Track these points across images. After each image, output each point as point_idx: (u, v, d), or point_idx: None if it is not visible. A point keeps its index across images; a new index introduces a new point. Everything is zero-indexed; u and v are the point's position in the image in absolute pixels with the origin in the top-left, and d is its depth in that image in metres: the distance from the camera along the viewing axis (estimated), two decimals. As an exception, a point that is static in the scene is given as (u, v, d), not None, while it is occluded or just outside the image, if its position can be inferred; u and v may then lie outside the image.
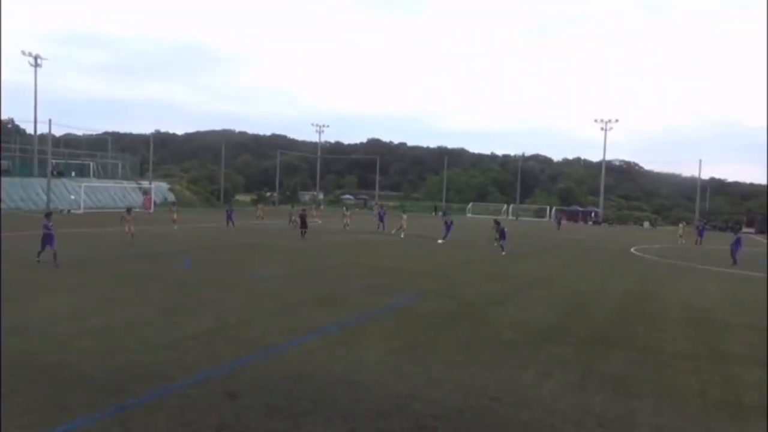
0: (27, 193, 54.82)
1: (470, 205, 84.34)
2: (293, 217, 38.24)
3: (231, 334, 9.91)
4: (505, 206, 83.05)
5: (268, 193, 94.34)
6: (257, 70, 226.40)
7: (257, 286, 14.92)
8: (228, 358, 8.50)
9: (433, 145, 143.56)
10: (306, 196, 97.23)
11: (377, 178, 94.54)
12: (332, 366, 8.23)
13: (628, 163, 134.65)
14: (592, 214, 77.97)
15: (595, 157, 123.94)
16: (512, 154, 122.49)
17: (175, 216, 34.47)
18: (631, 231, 61.01)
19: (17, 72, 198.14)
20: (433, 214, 62.80)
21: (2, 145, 67.16)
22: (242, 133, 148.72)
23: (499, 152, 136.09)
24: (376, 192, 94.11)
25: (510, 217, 76.35)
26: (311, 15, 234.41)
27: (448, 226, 32.00)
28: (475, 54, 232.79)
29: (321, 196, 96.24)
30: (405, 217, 36.13)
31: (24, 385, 7.05)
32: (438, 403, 6.95)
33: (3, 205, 50.97)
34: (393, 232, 34.73)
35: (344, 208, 44.40)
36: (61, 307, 11.60)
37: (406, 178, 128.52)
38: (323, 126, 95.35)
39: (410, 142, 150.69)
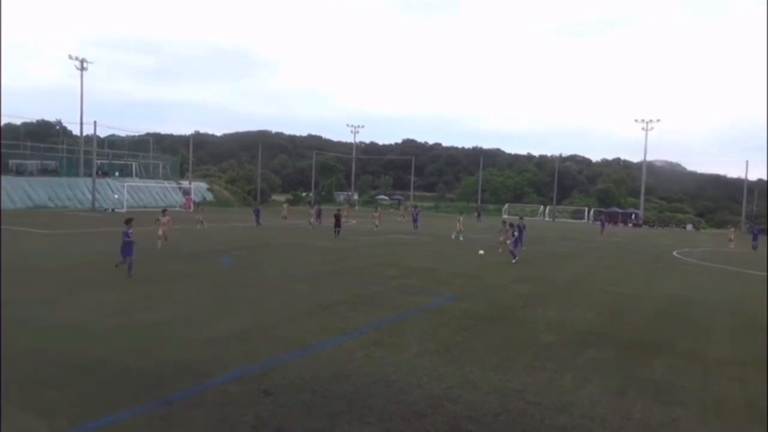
0: (73, 192, 56.72)
1: (506, 206, 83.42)
2: (311, 219, 37.60)
3: (268, 332, 10.05)
4: (542, 207, 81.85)
5: (304, 193, 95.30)
6: (294, 73, 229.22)
7: (293, 286, 15.08)
8: (265, 356, 8.63)
9: (468, 145, 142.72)
10: (341, 197, 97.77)
11: (412, 178, 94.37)
12: (368, 366, 8.26)
13: (670, 164, 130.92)
14: (632, 216, 76.12)
15: (635, 157, 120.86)
16: (549, 154, 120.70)
17: (200, 216, 35.03)
18: (674, 234, 59.28)
19: (66, 76, 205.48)
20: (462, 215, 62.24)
21: (47, 145, 69.73)
22: (279, 134, 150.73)
23: (536, 153, 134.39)
24: (411, 192, 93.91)
25: (546, 218, 75.21)
26: (348, 18, 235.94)
27: (521, 231, 25.27)
28: (512, 54, 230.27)
29: (356, 196, 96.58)
30: (461, 218, 35.70)
31: (75, 379, 7.32)
32: (474, 405, 6.90)
33: (51, 204, 52.89)
34: (453, 236, 33.41)
35: (375, 209, 43.51)
36: (106, 304, 11.97)
37: (441, 179, 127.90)
38: (358, 127, 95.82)
39: (445, 143, 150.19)
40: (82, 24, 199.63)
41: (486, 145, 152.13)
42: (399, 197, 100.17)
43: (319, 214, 39.32)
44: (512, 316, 12.29)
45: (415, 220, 41.12)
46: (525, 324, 11.59)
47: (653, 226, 71.32)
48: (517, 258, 22.52)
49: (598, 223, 57.29)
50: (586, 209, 79.22)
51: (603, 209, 77.58)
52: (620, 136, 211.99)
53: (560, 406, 7.02)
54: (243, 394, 6.97)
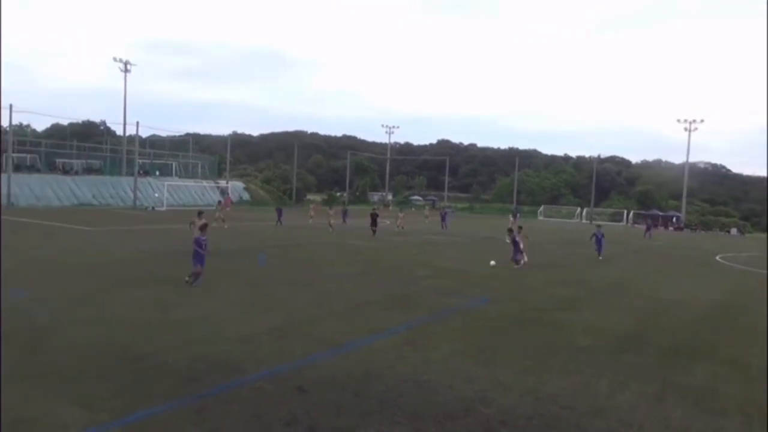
0: (116, 190, 58.45)
1: (542, 207, 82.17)
2: (331, 221, 35.63)
3: (301, 330, 10.15)
4: (579, 209, 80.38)
5: (338, 193, 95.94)
6: (329, 73, 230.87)
7: (325, 285, 15.19)
8: (298, 354, 8.72)
9: (503, 146, 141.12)
10: (375, 197, 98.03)
11: (446, 179, 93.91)
12: (399, 366, 8.26)
13: (714, 166, 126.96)
14: (674, 219, 74.02)
15: (677, 158, 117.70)
16: (587, 155, 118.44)
17: (220, 214, 34.38)
18: (717, 237, 57.40)
19: (110, 78, 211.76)
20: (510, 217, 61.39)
21: (92, 145, 71.99)
22: (314, 134, 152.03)
23: (573, 154, 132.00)
24: (445, 193, 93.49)
25: (584, 220, 73.80)
26: (383, 18, 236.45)
27: (599, 239, 25.32)
28: (549, 52, 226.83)
29: (390, 196, 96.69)
30: (513, 219, 35.37)
31: (114, 372, 7.54)
32: (506, 408, 6.82)
33: (95, 201, 54.62)
34: (508, 240, 32.99)
35: (399, 209, 42.30)
36: (145, 299, 12.28)
37: (476, 180, 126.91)
38: (393, 127, 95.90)
39: (480, 143, 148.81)
40: (127, 27, 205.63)
41: (522, 145, 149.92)
42: (433, 198, 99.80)
43: (345, 215, 39.42)
44: (547, 319, 12.10)
45: (443, 219, 40.96)
46: (560, 327, 11.40)
47: (695, 229, 69.18)
48: (521, 264, 20.41)
49: (642, 226, 55.06)
50: (625, 212, 77.43)
51: (643, 212, 75.71)
52: (661, 136, 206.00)
53: (596, 410, 6.87)
54: (276, 390, 7.05)
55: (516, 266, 20.25)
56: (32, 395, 6.59)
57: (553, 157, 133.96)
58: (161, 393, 6.83)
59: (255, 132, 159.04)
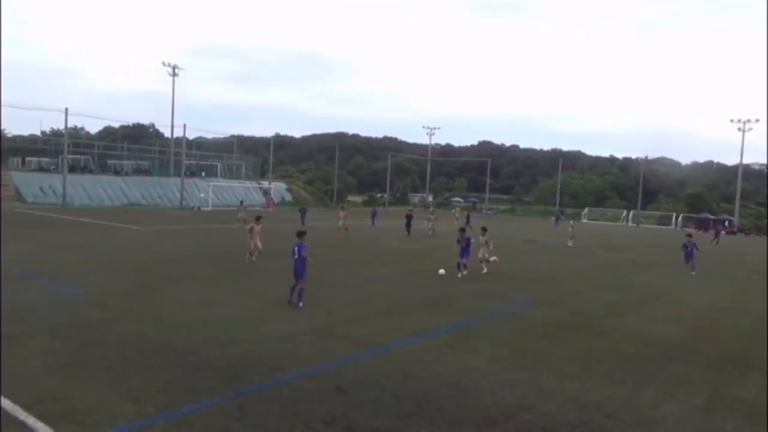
0: (164, 190, 60.28)
1: (586, 210, 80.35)
2: (342, 223, 33.02)
3: (341, 331, 10.21)
4: (625, 212, 78.22)
5: (379, 195, 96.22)
6: (371, 75, 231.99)
7: (365, 286, 15.25)
8: (337, 353, 8.78)
9: (546, 147, 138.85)
10: (415, 198, 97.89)
11: (488, 180, 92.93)
12: (439, 369, 8.21)
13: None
14: (726, 223, 71.15)
15: (730, 160, 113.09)
16: (634, 156, 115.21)
17: (242, 215, 33.93)
18: (773, 242, 54.83)
19: (159, 82, 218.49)
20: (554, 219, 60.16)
21: (141, 147, 74.35)
22: (355, 136, 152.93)
23: (619, 155, 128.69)
24: (486, 195, 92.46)
25: (630, 223, 71.82)
26: (423, 19, 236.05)
27: (690, 251, 22.05)
28: (595, 52, 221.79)
29: (430, 198, 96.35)
30: (573, 224, 34.46)
31: (160, 367, 7.76)
32: (548, 415, 6.69)
33: (143, 201, 56.42)
34: (570, 243, 32.11)
35: (431, 211, 39.55)
36: (190, 297, 12.61)
37: (518, 182, 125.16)
38: (434, 128, 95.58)
39: (523, 145, 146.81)
40: (175, 33, 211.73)
41: (565, 146, 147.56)
42: (474, 200, 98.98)
43: (374, 216, 39.68)
44: (591, 325, 11.82)
45: (467, 221, 40.81)
46: (605, 334, 11.11)
47: (749, 234, 66.32)
48: (464, 272, 17.36)
49: (711, 232, 51.54)
50: (674, 215, 74.92)
51: (692, 215, 73.13)
52: (713, 137, 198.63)
53: (641, 421, 6.67)
54: (316, 390, 7.12)
55: (459, 274, 17.37)
56: (83, 387, 6.85)
57: (598, 159, 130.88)
58: (205, 389, 7.00)
59: (297, 134, 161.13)
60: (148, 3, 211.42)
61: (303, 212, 38.87)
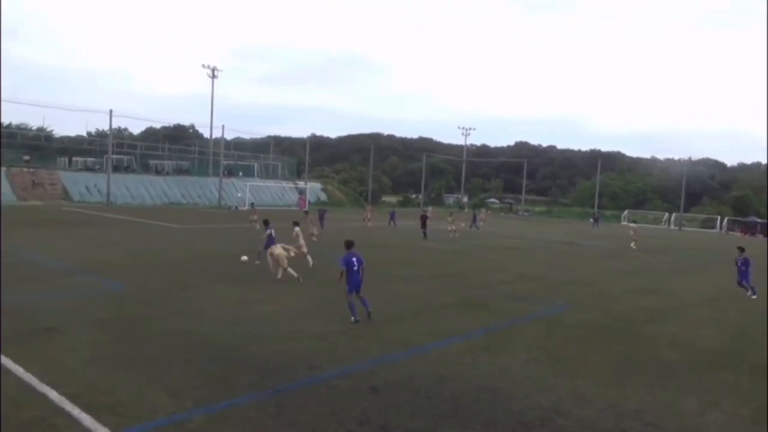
0: (203, 190, 61.61)
1: (626, 212, 78.42)
2: (367, 216, 34.16)
3: (375, 331, 10.24)
4: (666, 215, 76.07)
5: (414, 195, 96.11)
6: (405, 76, 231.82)
7: (399, 287, 15.25)
8: (372, 353, 8.81)
9: (585, 148, 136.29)
10: (450, 199, 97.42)
11: (524, 181, 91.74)
12: (474, 371, 8.16)
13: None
14: (774, 227, 68.43)
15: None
16: (676, 157, 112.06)
17: (255, 217, 33.74)
18: (825, 248, 52.47)
19: (199, 83, 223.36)
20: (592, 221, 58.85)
21: (181, 147, 76.11)
22: (390, 137, 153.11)
23: (661, 156, 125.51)
24: (522, 196, 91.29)
25: (672, 226, 69.84)
26: (459, 20, 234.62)
27: (744, 268, 17.03)
28: (635, 49, 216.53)
29: (465, 199, 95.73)
30: (634, 226, 33.63)
31: (199, 362, 7.94)
32: (585, 421, 6.57)
33: (183, 200, 57.75)
34: (633, 246, 31.20)
35: (449, 213, 38.00)
36: (227, 295, 12.85)
37: (555, 183, 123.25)
38: (469, 129, 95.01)
39: (560, 145, 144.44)
40: (214, 35, 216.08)
41: (605, 147, 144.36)
42: (510, 201, 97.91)
43: (392, 216, 39.66)
44: (630, 330, 11.53)
45: (474, 221, 41.56)
46: (645, 339, 10.83)
47: (799, 238, 63.58)
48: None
49: (759, 236, 48.44)
50: (719, 218, 72.51)
51: (739, 218, 70.63)
52: (762, 138, 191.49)
53: (683, 430, 6.48)
54: (351, 389, 7.17)
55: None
56: (126, 380, 7.06)
57: (639, 160, 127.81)
58: (242, 385, 7.12)
59: (333, 134, 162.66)
60: (188, 7, 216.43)
61: (321, 215, 34.16)
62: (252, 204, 45.93)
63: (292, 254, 15.68)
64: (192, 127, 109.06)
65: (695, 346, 10.44)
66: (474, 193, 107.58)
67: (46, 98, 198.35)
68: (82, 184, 54.66)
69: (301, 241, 17.77)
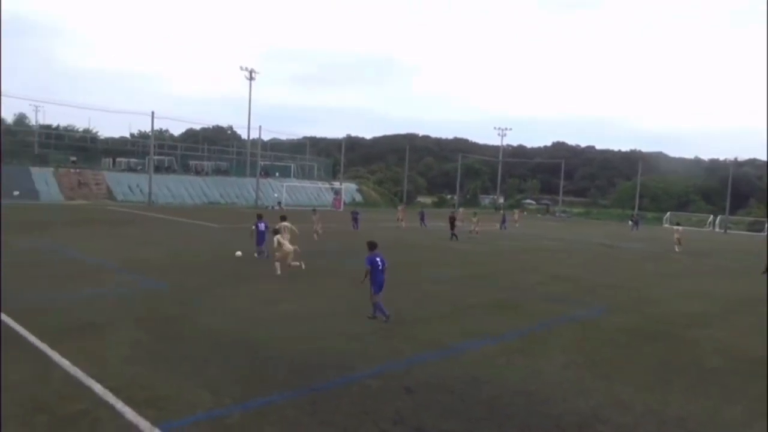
0: (240, 190, 62.70)
1: (668, 214, 76.19)
2: (400, 216, 34.94)
3: (408, 331, 10.23)
4: (711, 217, 73.65)
5: (449, 196, 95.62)
6: (441, 76, 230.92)
7: (431, 287, 15.19)
8: (405, 354, 8.80)
9: (625, 148, 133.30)
10: (486, 200, 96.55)
11: (561, 182, 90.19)
12: (508, 373, 8.07)
13: None
14: (826, 230, 65.45)
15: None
16: (722, 158, 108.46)
17: (319, 225, 34.13)
18: None
19: (237, 85, 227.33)
20: (630, 223, 57.43)
21: (220, 148, 77.59)
22: (426, 137, 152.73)
23: (705, 157, 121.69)
24: (560, 197, 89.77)
25: (717, 229, 67.59)
26: (494, 19, 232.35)
27: None
28: (674, 47, 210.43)
29: (501, 200, 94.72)
30: (680, 229, 32.72)
31: (236, 360, 8.08)
32: (626, 428, 6.41)
33: (222, 200, 58.86)
34: (676, 248, 30.59)
35: (474, 212, 36.39)
36: (262, 294, 13.03)
37: (594, 184, 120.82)
38: (505, 129, 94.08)
39: (599, 146, 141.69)
40: (252, 38, 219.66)
41: (645, 147, 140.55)
42: (547, 202, 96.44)
43: (422, 217, 39.56)
44: (671, 334, 11.21)
45: (503, 222, 41.56)
46: (687, 344, 10.51)
47: None
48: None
49: None
50: (766, 221, 69.84)
51: (789, 221, 67.78)
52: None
53: (728, 439, 6.27)
54: (384, 389, 7.18)
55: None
56: (166, 376, 7.24)
57: (682, 161, 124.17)
58: (277, 383, 7.22)
59: (368, 135, 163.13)
60: (226, 11, 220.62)
61: (354, 216, 34.46)
62: (279, 201, 46.26)
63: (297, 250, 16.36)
64: (230, 128, 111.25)
65: (740, 353, 10.07)
66: (510, 194, 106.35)
67: (92, 101, 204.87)
68: (126, 184, 56.30)
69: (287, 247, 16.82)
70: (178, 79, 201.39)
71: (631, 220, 58.82)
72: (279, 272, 15.45)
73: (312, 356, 8.36)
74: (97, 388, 6.70)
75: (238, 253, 18.60)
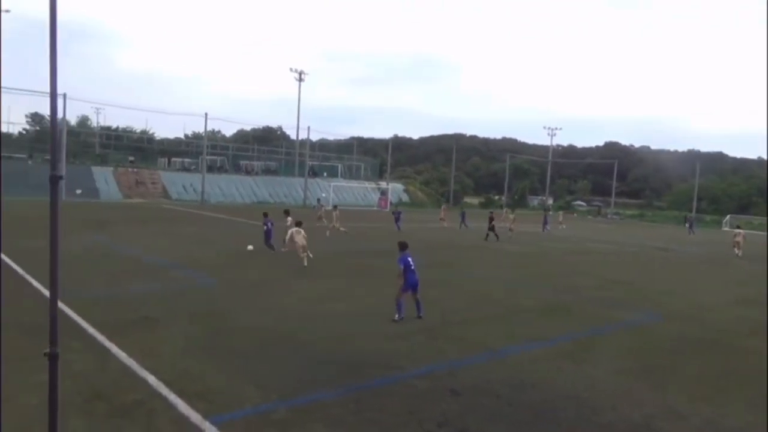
0: (289, 190, 63.83)
1: (728, 217, 72.94)
2: (442, 216, 34.75)
3: (455, 332, 10.17)
4: (775, 220, 70.01)
5: (496, 197, 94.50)
6: (489, 76, 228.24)
7: (479, 288, 15.04)
8: (452, 355, 8.75)
9: (681, 148, 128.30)
10: (534, 201, 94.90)
11: (614, 183, 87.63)
12: (557, 378, 7.90)
13: None
14: None
15: None
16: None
17: (320, 213, 32.94)
18: None
19: (286, 87, 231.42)
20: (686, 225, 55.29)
21: (269, 148, 79.10)
22: (473, 137, 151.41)
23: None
24: (612, 199, 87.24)
25: (781, 233, 64.19)
26: (545, 17, 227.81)
27: None
28: (732, 42, 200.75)
29: (550, 201, 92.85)
30: (742, 232, 31.11)
31: (283, 357, 8.23)
32: (679, 438, 6.17)
33: (270, 199, 60.01)
34: (738, 253, 29.14)
35: (511, 209, 36.45)
36: (309, 292, 13.21)
37: (648, 185, 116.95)
38: (555, 129, 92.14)
39: (654, 146, 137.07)
40: (300, 40, 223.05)
41: (704, 147, 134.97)
42: (598, 203, 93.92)
43: (463, 218, 39.20)
44: (730, 343, 10.71)
45: (545, 223, 40.35)
46: (746, 354, 10.02)
47: None
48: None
49: None
50: (767, 221, 65.73)
51: None
52: None
53: (792, 455, 5.94)
54: (430, 390, 7.15)
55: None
56: (216, 370, 7.44)
57: (743, 161, 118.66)
58: (324, 380, 7.30)
59: (415, 135, 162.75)
60: (274, 13, 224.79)
61: (397, 216, 34.60)
62: (318, 199, 46.92)
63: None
64: (279, 128, 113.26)
65: (807, 365, 9.52)
66: (560, 195, 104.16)
67: (149, 103, 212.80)
68: (180, 184, 58.18)
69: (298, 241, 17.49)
70: (231, 80, 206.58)
71: (686, 222, 56.62)
72: (306, 263, 16.81)
73: (358, 355, 8.42)
74: (151, 379, 6.95)
75: (250, 247, 19.89)
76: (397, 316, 10.69)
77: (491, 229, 30.30)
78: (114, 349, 8.07)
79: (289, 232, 17.72)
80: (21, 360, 7.31)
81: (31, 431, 5.42)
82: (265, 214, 20.89)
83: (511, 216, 33.93)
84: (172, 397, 6.44)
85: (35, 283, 12.31)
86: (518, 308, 12.71)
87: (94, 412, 6.00)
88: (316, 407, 6.43)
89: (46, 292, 10.72)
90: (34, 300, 10.79)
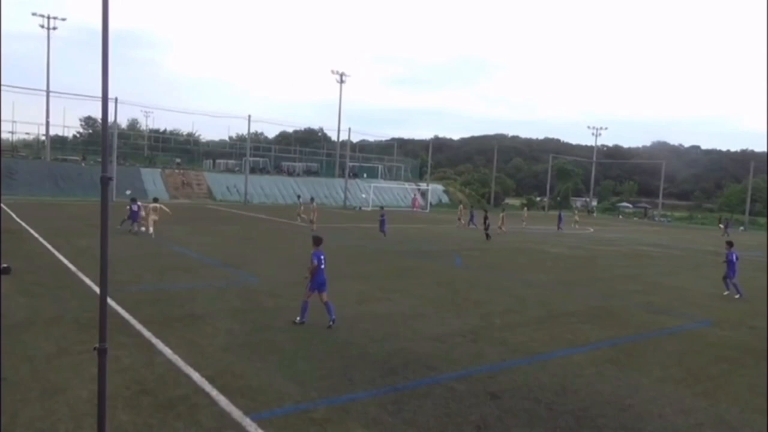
0: (329, 190, 64.38)
1: (784, 219, 69.81)
2: (460, 217, 36.02)
3: (495, 335, 10.05)
4: (837, 223, 66.41)
5: (539, 198, 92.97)
6: (532, 76, 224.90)
7: (522, 291, 14.82)
8: (492, 358, 8.65)
9: (734, 148, 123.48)
10: (578, 203, 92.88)
11: (661, 185, 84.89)
12: (599, 384, 7.71)
13: None
14: None
15: None
16: None
17: (307, 215, 32.87)
18: None
19: (327, 88, 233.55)
20: (720, 226, 53.04)
21: (311, 149, 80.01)
22: (515, 137, 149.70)
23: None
24: (660, 200, 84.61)
25: (843, 237, 60.88)
26: (588, 16, 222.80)
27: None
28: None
29: (594, 202, 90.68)
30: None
31: (323, 356, 8.31)
32: (729, 449, 5.94)
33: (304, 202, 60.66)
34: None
35: (525, 209, 36.79)
36: (349, 292, 13.29)
37: (698, 186, 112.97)
38: (600, 128, 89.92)
39: (705, 146, 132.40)
40: (341, 41, 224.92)
41: (759, 147, 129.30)
42: (645, 205, 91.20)
43: (472, 217, 39.21)
44: (787, 352, 10.23)
45: (560, 220, 39.99)
46: (805, 364, 9.55)
47: None
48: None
49: None
50: (767, 220, 61.80)
51: None
52: None
53: None
54: (469, 393, 7.09)
55: None
56: (257, 367, 7.57)
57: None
58: (362, 380, 7.34)
59: (455, 136, 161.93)
60: (320, 17, 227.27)
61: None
62: (311, 199, 46.78)
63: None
64: (320, 130, 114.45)
65: None
66: (604, 196, 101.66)
67: (195, 106, 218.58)
68: (224, 184, 59.46)
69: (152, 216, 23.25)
70: (274, 83, 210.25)
71: (720, 224, 54.22)
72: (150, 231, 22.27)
73: (397, 356, 8.42)
74: (195, 375, 7.13)
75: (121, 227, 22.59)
76: (299, 318, 9.85)
77: (486, 228, 30.30)
78: (160, 345, 8.32)
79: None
80: (77, 353, 7.64)
81: (82, 423, 5.64)
82: (134, 200, 24.59)
83: (526, 214, 34.42)
84: (215, 393, 6.59)
85: (87, 281, 12.82)
86: (562, 312, 12.47)
87: (141, 406, 6.19)
88: (354, 407, 6.47)
89: (97, 289, 11.14)
90: (88, 296, 11.24)
